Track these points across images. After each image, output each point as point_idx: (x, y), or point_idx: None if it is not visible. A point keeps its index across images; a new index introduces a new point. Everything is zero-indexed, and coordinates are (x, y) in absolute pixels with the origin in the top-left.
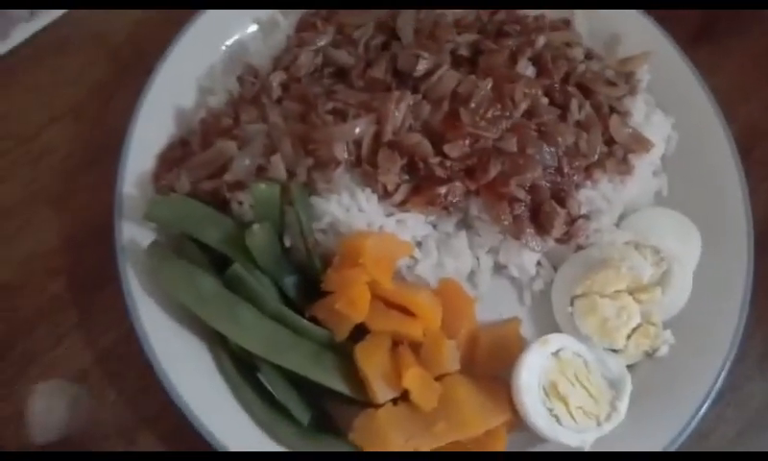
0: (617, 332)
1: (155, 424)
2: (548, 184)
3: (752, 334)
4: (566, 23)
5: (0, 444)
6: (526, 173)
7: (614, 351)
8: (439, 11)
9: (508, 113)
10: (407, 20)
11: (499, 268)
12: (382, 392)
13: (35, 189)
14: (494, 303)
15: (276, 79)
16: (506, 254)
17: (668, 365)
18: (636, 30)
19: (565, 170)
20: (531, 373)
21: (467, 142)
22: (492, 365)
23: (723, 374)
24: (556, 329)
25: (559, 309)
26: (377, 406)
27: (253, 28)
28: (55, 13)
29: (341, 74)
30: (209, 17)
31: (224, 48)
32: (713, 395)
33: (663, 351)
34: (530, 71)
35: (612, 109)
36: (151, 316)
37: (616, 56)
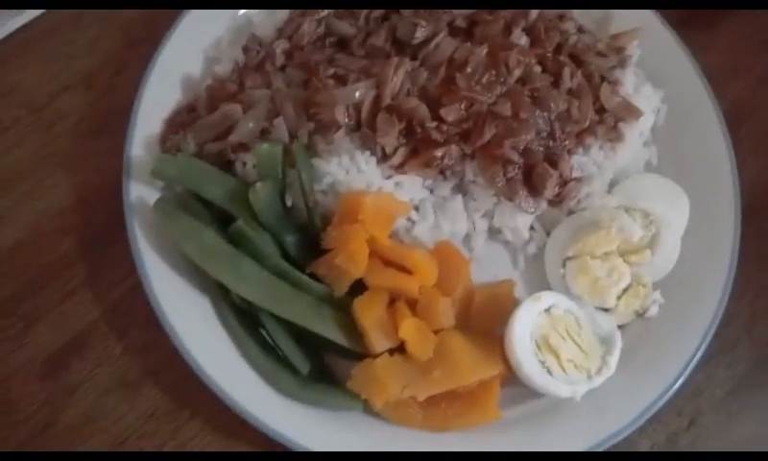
0: (608, 292)
1: (159, 377)
2: (541, 148)
3: (739, 298)
4: None
5: (9, 395)
6: (520, 135)
7: (605, 310)
8: None
9: (502, 79)
10: None
11: (494, 233)
12: (379, 342)
13: (46, 153)
14: (489, 267)
15: (280, 47)
16: (500, 218)
17: (658, 324)
18: (628, 9)
19: (557, 135)
20: (523, 327)
21: (462, 106)
22: (485, 322)
23: (711, 332)
24: None
25: (551, 271)
26: (374, 357)
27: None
28: None
29: (342, 44)
30: None
31: (230, 21)
32: (701, 353)
33: (653, 310)
34: (524, 41)
35: (603, 79)
36: (157, 270)
37: (608, 32)
